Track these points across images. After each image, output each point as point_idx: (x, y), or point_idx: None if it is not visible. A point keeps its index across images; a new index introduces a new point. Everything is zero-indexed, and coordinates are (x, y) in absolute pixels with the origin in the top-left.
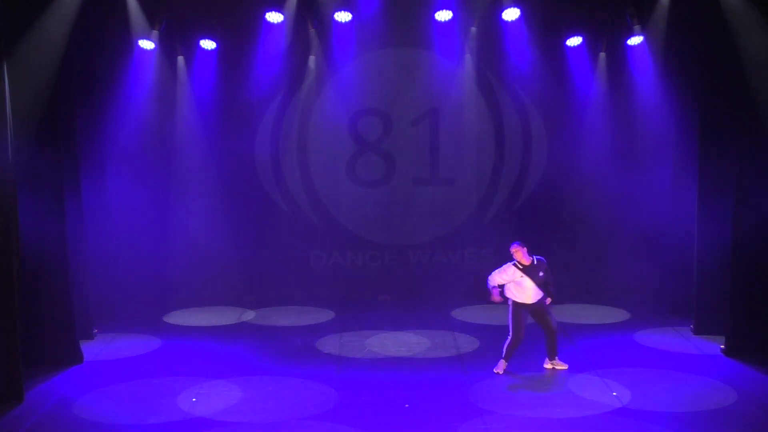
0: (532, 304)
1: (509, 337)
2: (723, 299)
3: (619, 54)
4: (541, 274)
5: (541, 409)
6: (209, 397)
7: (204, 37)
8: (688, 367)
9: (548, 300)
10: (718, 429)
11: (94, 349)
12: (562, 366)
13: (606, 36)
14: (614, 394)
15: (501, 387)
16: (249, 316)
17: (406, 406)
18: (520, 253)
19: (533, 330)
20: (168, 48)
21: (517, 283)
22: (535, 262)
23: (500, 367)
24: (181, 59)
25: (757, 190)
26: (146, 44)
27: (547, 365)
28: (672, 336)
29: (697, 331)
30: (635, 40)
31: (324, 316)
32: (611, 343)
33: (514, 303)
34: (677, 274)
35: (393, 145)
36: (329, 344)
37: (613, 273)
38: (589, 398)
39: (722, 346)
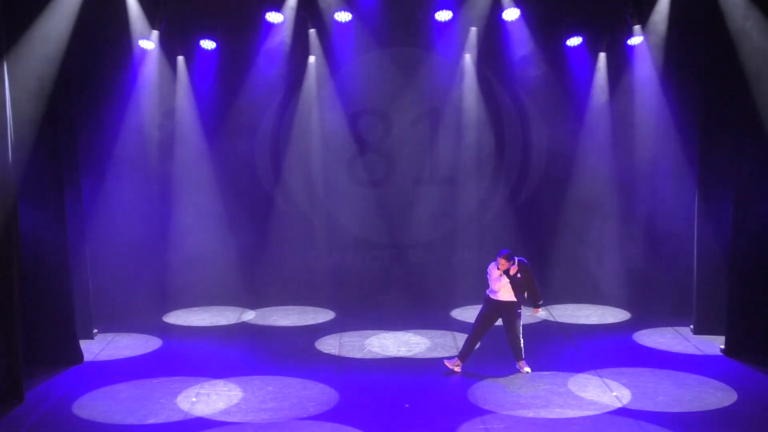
0: (498, 301)
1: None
2: (723, 299)
3: (619, 54)
4: (518, 275)
5: (541, 409)
6: (209, 397)
7: (204, 37)
8: (688, 367)
9: (536, 310)
10: (718, 429)
11: (94, 349)
12: (525, 369)
13: (606, 36)
14: (614, 394)
15: (501, 387)
16: (249, 316)
17: (406, 406)
18: (504, 265)
19: (534, 330)
20: (168, 48)
21: (495, 280)
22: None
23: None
24: (181, 59)
25: (756, 190)
26: (146, 44)
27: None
28: (672, 336)
29: (697, 331)
30: (635, 40)
31: (324, 316)
32: (611, 343)
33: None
34: (677, 274)
35: (393, 145)
36: (329, 344)
37: (613, 273)
38: (589, 398)
39: (722, 346)
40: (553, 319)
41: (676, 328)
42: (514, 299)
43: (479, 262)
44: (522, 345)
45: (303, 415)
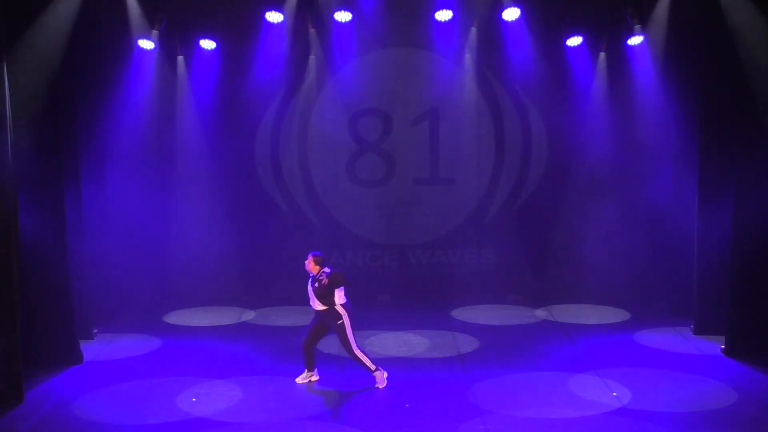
0: (317, 311)
1: None
2: (723, 299)
3: (619, 54)
4: (316, 284)
5: (541, 409)
6: (209, 397)
7: (204, 37)
8: (688, 367)
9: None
10: (718, 429)
11: (94, 349)
12: (314, 377)
13: (606, 36)
14: (614, 394)
15: (501, 387)
16: (249, 316)
17: (406, 406)
18: (310, 264)
19: (534, 330)
20: (168, 48)
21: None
22: (322, 274)
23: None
24: (181, 59)
25: (757, 190)
26: (146, 44)
27: (301, 379)
28: (672, 336)
29: (697, 331)
30: (635, 40)
31: None
32: (611, 343)
33: None
34: (677, 274)
35: (393, 145)
36: (329, 344)
37: (612, 273)
38: (589, 398)
39: (722, 346)
40: (553, 319)
41: (676, 328)
42: (324, 307)
43: (479, 262)
44: (363, 357)
45: (303, 415)
